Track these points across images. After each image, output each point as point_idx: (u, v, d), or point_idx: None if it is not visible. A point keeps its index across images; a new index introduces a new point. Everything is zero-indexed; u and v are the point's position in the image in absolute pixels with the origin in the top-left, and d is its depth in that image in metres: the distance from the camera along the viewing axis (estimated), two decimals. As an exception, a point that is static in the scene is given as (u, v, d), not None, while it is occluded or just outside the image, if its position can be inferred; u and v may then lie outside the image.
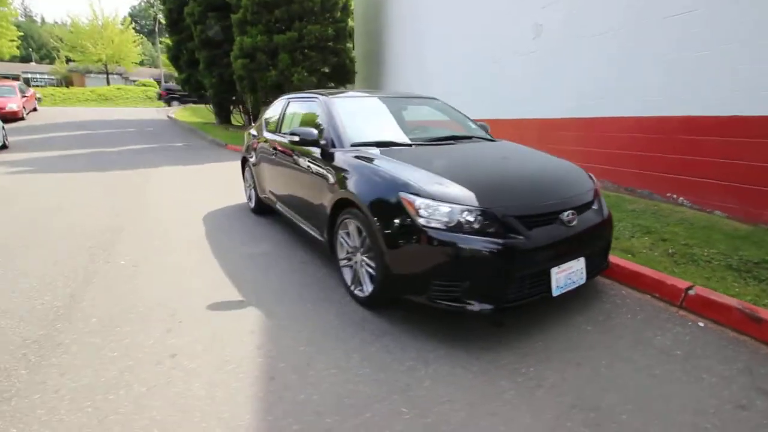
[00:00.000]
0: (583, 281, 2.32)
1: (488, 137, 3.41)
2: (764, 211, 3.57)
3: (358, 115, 3.16)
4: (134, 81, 34.35)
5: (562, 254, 2.20)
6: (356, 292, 2.62)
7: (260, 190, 4.47)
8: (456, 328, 2.32)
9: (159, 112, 24.60)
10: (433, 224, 2.05)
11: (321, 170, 2.91)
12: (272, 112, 4.38)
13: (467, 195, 2.13)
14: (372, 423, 1.65)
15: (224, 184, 6.76)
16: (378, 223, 2.23)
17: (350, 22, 12.74)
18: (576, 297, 2.65)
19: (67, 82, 36.20)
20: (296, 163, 3.34)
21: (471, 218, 2.04)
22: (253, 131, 4.75)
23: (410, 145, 2.89)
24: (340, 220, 2.64)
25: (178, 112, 23.81)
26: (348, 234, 2.64)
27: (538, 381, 1.88)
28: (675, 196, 4.34)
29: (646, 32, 4.49)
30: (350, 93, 3.41)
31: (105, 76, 35.88)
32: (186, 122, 18.51)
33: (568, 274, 2.23)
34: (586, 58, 5.32)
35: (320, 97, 3.35)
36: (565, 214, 2.22)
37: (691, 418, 1.68)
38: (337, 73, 13.07)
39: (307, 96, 3.66)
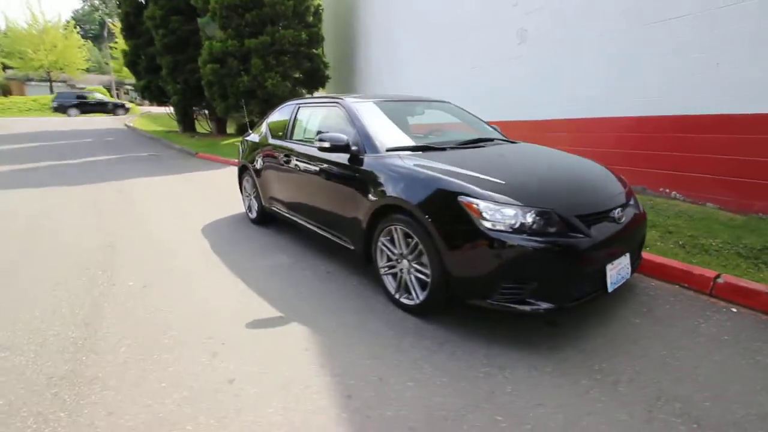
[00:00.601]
0: (628, 276, 2.39)
1: (508, 139, 3.46)
2: (755, 202, 3.87)
3: (382, 120, 3.10)
4: (82, 88, 32.10)
5: (615, 251, 2.26)
6: (402, 300, 2.55)
7: (264, 199, 4.29)
8: (513, 331, 2.32)
9: (115, 120, 23.18)
10: (498, 227, 2.04)
11: (352, 177, 2.83)
12: (278, 118, 4.22)
13: (528, 196, 2.14)
14: (472, 435, 1.60)
15: (210, 194, 6.46)
16: (436, 229, 2.18)
17: (322, 28, 12.60)
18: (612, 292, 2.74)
19: (4, 90, 33.30)
20: (316, 170, 3.23)
21: (535, 219, 2.04)
22: (253, 138, 4.56)
23: (444, 149, 2.88)
24: (382, 227, 2.58)
25: (136, 120, 22.55)
26: (391, 241, 2.57)
27: (615, 376, 1.91)
28: (668, 190, 4.61)
29: (641, 36, 4.75)
30: (366, 97, 3.34)
31: (48, 83, 33.35)
32: (146, 131, 17.55)
33: (618, 270, 2.29)
34: (575, 63, 5.56)
35: (343, 101, 3.26)
36: (616, 211, 2.28)
37: (765, 398, 1.76)
38: (310, 78, 12.89)
39: (323, 101, 3.56)
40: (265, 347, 2.24)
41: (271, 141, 4.09)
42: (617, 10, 4.91)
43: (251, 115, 13.53)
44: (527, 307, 2.05)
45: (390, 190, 2.49)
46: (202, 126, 17.51)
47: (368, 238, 2.75)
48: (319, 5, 12.55)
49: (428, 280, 2.32)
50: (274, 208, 4.13)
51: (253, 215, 4.66)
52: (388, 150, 2.77)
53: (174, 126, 18.27)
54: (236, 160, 10.21)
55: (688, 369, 1.96)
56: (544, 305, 2.05)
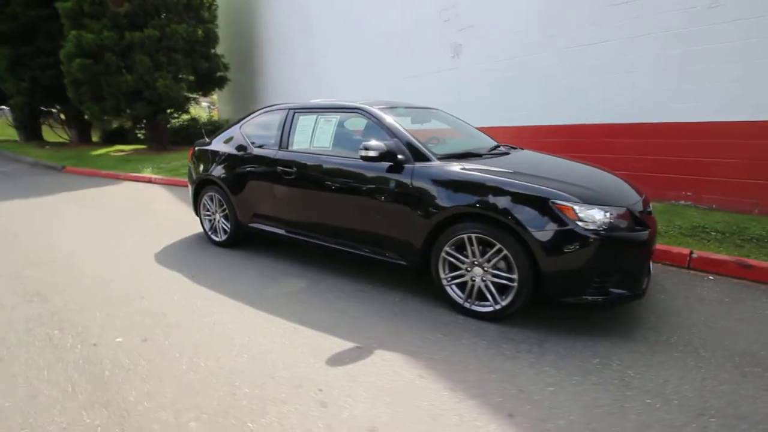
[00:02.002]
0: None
1: (513, 146, 3.67)
2: (667, 191, 4.90)
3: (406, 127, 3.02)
4: None
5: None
6: (475, 308, 2.54)
7: (244, 216, 3.74)
8: (583, 322, 2.50)
9: None
10: (590, 226, 2.20)
11: (401, 188, 2.69)
12: (259, 125, 3.72)
13: (602, 197, 2.35)
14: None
15: (129, 217, 5.38)
16: (530, 233, 2.24)
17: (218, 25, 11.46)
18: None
19: None
20: (342, 184, 2.97)
21: (617, 217, 2.26)
22: (220, 148, 3.92)
23: (480, 156, 2.94)
24: (449, 237, 2.52)
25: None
26: (459, 249, 2.53)
27: (692, 345, 2.24)
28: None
29: (568, 56, 5.54)
30: (370, 103, 3.19)
31: None
32: (-31, 141, 13.55)
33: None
34: (511, 78, 6.22)
35: (365, 108, 3.06)
36: (649, 208, 2.67)
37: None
38: (206, 79, 11.62)
39: (331, 107, 3.27)
40: (372, 384, 1.98)
41: (256, 152, 3.59)
42: (545, 34, 5.67)
43: (135, 120, 11.59)
44: (613, 297, 2.27)
45: (463, 199, 2.46)
46: (57, 134, 14.23)
47: (428, 249, 2.66)
48: (214, 1, 11.40)
49: (513, 284, 2.36)
50: (262, 227, 3.64)
51: (220, 237, 4.03)
52: (440, 158, 2.72)
53: (11, 134, 14.43)
54: (125, 174, 8.71)
55: (728, 328, 2.42)
56: (626, 294, 2.29)
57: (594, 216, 2.21)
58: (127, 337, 2.44)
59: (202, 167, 4.09)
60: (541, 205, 2.26)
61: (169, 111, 11.15)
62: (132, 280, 3.31)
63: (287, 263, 3.60)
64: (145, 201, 6.59)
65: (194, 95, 11.97)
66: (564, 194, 2.27)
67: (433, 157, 2.71)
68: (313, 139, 3.24)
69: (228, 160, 3.82)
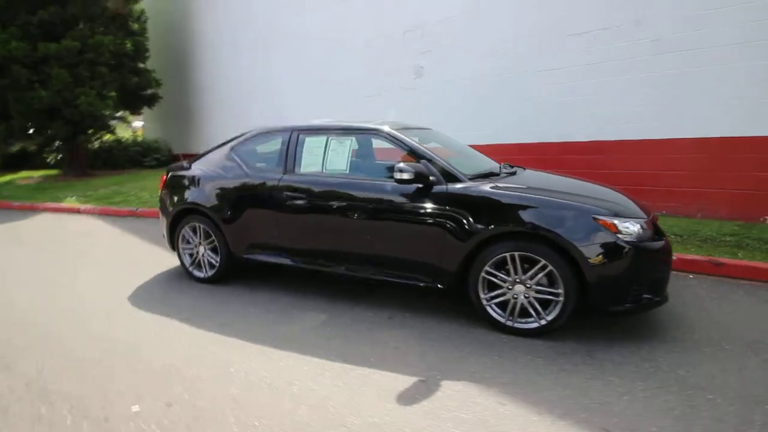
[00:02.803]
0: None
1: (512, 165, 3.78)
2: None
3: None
4: None
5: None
6: (518, 325, 2.55)
7: (238, 247, 3.40)
8: (621, 331, 2.62)
9: None
10: (628, 238, 2.35)
11: (436, 209, 2.65)
12: (258, 147, 3.44)
13: (629, 210, 2.53)
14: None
15: (71, 255, 4.67)
16: (577, 248, 2.32)
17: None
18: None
19: None
20: (368, 208, 2.85)
21: (647, 228, 2.45)
22: (205, 173, 3.54)
23: (498, 175, 3.01)
24: (490, 257, 2.52)
25: None
26: (498, 268, 2.54)
27: (730, 340, 2.45)
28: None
29: (530, 80, 5.99)
30: (380, 124, 3.14)
31: None
32: None
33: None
34: (478, 99, 6.54)
35: (384, 130, 2.98)
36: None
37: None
38: (135, 96, 10.58)
39: (353, 128, 3.12)
40: (458, 418, 1.86)
41: (253, 176, 3.30)
42: (510, 59, 6.09)
43: (49, 141, 10.15)
44: (646, 303, 2.44)
45: (507, 218, 2.48)
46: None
47: (465, 271, 2.63)
48: (143, 11, 10.51)
49: (558, 298, 2.42)
50: (262, 258, 3.33)
51: (206, 273, 3.61)
52: (471, 179, 2.73)
53: None
54: (44, 204, 7.52)
55: (729, 322, 2.71)
56: (655, 299, 2.48)
57: (630, 228, 2.38)
58: (143, 403, 2.04)
59: (180, 195, 3.65)
60: (585, 220, 2.37)
61: (90, 131, 9.91)
62: (115, 330, 2.81)
63: (290, 296, 3.32)
64: (82, 235, 5.72)
65: (120, 113, 10.81)
66: (603, 209, 2.41)
67: (464, 178, 2.72)
68: (326, 161, 3.08)
69: (217, 185, 3.46)
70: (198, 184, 3.59)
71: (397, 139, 2.94)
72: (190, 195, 3.61)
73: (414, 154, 2.84)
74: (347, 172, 3.00)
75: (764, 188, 4.54)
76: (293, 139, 3.26)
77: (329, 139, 3.12)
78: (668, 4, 4.83)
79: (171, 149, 13.25)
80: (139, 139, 13.75)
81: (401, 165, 2.62)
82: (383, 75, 7.53)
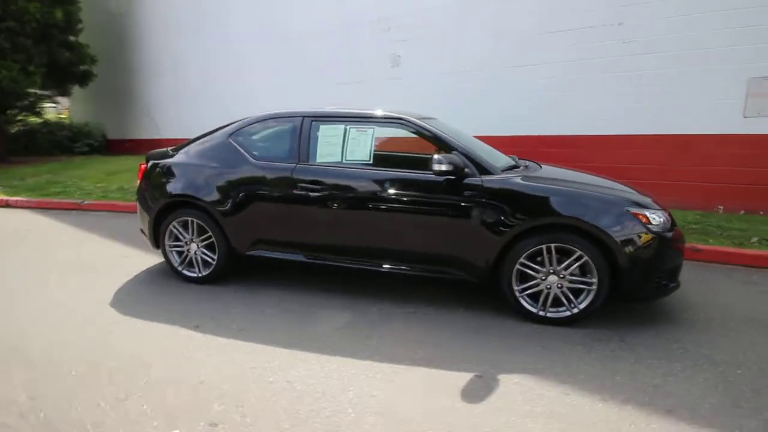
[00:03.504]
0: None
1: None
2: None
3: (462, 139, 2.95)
4: None
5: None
6: (550, 314, 2.61)
7: (241, 243, 3.12)
8: (637, 316, 2.76)
9: None
10: (656, 228, 2.48)
11: (472, 202, 2.61)
12: (263, 134, 3.14)
13: (651, 202, 2.67)
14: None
15: (20, 256, 4.07)
16: (615, 239, 2.40)
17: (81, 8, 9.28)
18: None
19: None
20: (393, 200, 2.75)
21: (668, 218, 2.60)
22: (197, 161, 3.17)
23: (518, 167, 3.03)
24: (529, 248, 2.53)
25: None
26: (533, 259, 2.57)
27: (735, 322, 2.67)
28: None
29: (509, 75, 6.11)
30: (402, 113, 3.01)
31: None
32: None
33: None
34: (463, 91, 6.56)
35: (409, 119, 2.87)
36: None
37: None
38: (66, 73, 9.30)
39: (373, 116, 2.96)
40: (533, 412, 1.85)
41: (260, 165, 3.01)
42: (492, 52, 6.17)
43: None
44: (666, 288, 2.61)
45: (547, 210, 2.51)
46: None
47: (499, 262, 2.62)
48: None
49: (591, 287, 2.51)
50: (270, 254, 3.08)
51: (200, 272, 3.28)
52: (503, 170, 2.71)
53: None
54: None
55: (724, 302, 2.97)
56: (672, 285, 2.66)
57: (657, 218, 2.52)
58: (184, 426, 1.79)
59: (168, 186, 3.25)
60: (619, 212, 2.47)
61: (10, 112, 8.54)
62: (114, 345, 2.44)
63: (304, 294, 3.11)
64: (22, 233, 4.93)
65: (48, 92, 9.43)
66: (635, 201, 2.53)
67: (497, 170, 2.70)
68: (345, 151, 2.89)
69: (215, 175, 3.12)
70: (190, 174, 3.21)
71: (424, 128, 2.84)
72: (180, 186, 3.22)
73: (444, 145, 2.76)
74: (371, 162, 2.85)
75: (715, 180, 5.09)
76: (305, 126, 3.02)
77: (348, 127, 2.94)
78: (647, 10, 5.15)
79: (105, 134, 11.90)
80: (66, 121, 12.14)
81: (439, 156, 2.54)
82: (357, 62, 7.31)
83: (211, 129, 3.40)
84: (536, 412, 1.88)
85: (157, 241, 3.40)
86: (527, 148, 6.05)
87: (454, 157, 2.62)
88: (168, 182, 3.26)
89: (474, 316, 2.77)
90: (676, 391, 2.02)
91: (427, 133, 2.83)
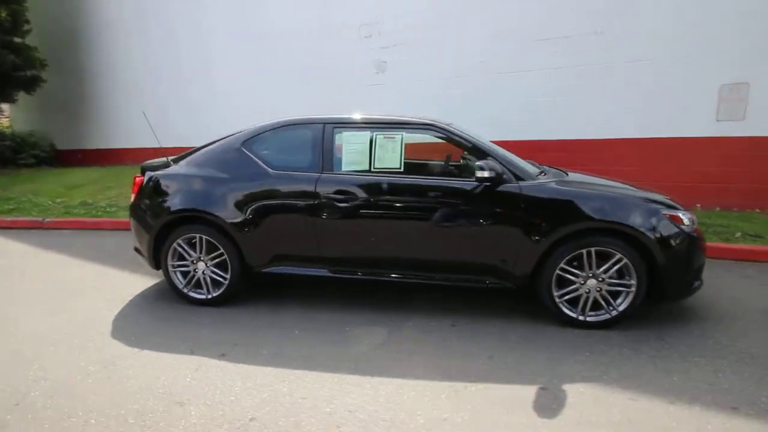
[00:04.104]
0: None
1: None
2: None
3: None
4: None
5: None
6: (589, 319, 2.61)
7: (258, 260, 2.90)
8: (661, 315, 2.83)
9: None
10: (687, 229, 2.56)
11: (511, 208, 2.59)
12: (281, 143, 2.92)
13: (678, 203, 2.75)
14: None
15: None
16: (654, 241, 2.45)
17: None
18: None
19: None
20: (429, 209, 2.66)
21: (695, 219, 2.69)
22: (206, 173, 2.91)
23: (544, 173, 3.03)
24: (570, 253, 2.53)
25: None
26: (572, 264, 2.57)
27: (754, 314, 2.79)
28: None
29: (504, 82, 6.21)
30: (429, 119, 2.94)
31: None
32: None
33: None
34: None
35: (439, 125, 2.80)
36: None
37: None
38: (10, 79, 8.41)
39: (401, 122, 2.86)
40: (611, 422, 1.81)
41: (279, 175, 2.80)
42: (477, 60, 6.23)
43: None
44: (694, 286, 2.69)
45: (589, 214, 2.51)
46: None
47: (539, 269, 2.59)
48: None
49: (630, 289, 2.53)
50: (290, 270, 2.88)
51: (209, 293, 3.01)
52: (537, 175, 2.69)
53: None
54: None
55: (733, 295, 3.12)
56: (697, 283, 2.74)
57: (688, 220, 2.60)
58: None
59: (172, 200, 2.95)
60: (657, 214, 2.52)
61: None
62: (133, 382, 2.15)
63: (328, 312, 2.92)
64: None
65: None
66: (671, 204, 2.60)
67: (532, 176, 2.68)
68: (373, 159, 2.75)
69: (228, 187, 2.88)
70: (198, 186, 2.94)
71: (455, 134, 2.78)
72: (187, 200, 2.94)
73: (478, 151, 2.71)
74: (402, 170, 2.74)
75: (691, 180, 5.42)
76: (327, 133, 2.85)
77: (375, 134, 2.81)
78: (628, 19, 5.42)
79: (54, 144, 10.88)
80: (8, 130, 10.96)
81: (481, 163, 2.48)
82: (340, 68, 7.17)
83: (222, 137, 3.13)
84: (614, 421, 1.84)
85: (157, 262, 3.07)
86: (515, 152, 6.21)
87: (494, 163, 2.57)
88: (172, 196, 2.96)
89: (513, 326, 2.72)
90: (731, 387, 2.06)
91: (459, 138, 2.77)
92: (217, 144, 3.08)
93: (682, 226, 2.54)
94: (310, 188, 2.78)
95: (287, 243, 2.86)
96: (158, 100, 9.01)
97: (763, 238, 4.16)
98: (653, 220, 2.51)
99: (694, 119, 5.20)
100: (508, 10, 6.03)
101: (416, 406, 1.95)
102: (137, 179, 3.15)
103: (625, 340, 2.52)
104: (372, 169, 2.77)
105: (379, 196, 2.73)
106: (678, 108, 5.27)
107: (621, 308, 2.58)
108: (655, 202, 2.61)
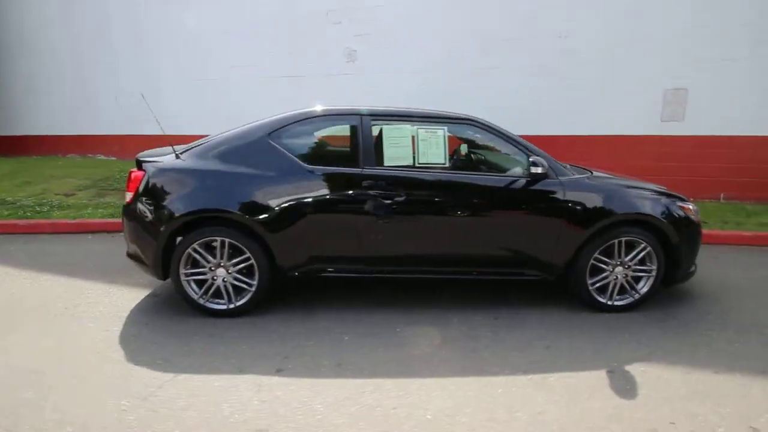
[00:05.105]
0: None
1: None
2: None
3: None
4: None
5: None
6: (616, 303, 2.84)
7: (293, 261, 2.67)
8: (664, 295, 3.07)
9: None
10: (695, 219, 2.89)
11: (553, 202, 2.69)
12: (313, 135, 2.65)
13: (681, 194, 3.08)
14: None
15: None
16: (675, 230, 2.72)
17: None
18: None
19: None
20: (478, 204, 2.68)
21: (697, 209, 3.03)
22: (228, 168, 2.57)
23: (566, 167, 3.18)
24: (603, 243, 2.71)
25: None
26: (605, 254, 2.76)
27: (749, 298, 3.18)
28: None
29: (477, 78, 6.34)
30: (455, 114, 2.93)
31: None
32: None
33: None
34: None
35: (478, 120, 2.79)
36: None
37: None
38: None
39: (441, 116, 2.81)
40: (683, 397, 1.99)
41: (316, 170, 2.57)
42: (447, 54, 6.31)
43: None
44: (693, 271, 3.05)
45: (623, 207, 2.71)
46: None
47: (575, 259, 2.75)
48: None
49: (651, 275, 2.80)
50: (331, 272, 2.69)
51: (230, 303, 2.72)
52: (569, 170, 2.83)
53: None
54: None
55: (731, 276, 3.52)
56: (694, 267, 3.12)
57: (694, 211, 2.93)
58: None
59: (186, 199, 2.57)
60: (674, 206, 2.81)
61: None
62: (191, 413, 1.84)
63: (364, 313, 2.80)
64: None
65: None
66: (683, 197, 2.90)
67: (568, 171, 2.80)
68: (417, 154, 2.66)
69: (257, 184, 2.58)
70: (218, 183, 2.60)
71: (495, 129, 2.80)
72: (206, 198, 2.58)
73: (522, 148, 2.76)
74: (447, 165, 2.70)
75: (638, 174, 6.12)
76: (365, 126, 2.69)
77: (416, 128, 2.72)
78: (588, 26, 5.88)
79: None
80: None
81: (535, 159, 2.54)
82: (305, 54, 6.81)
83: (242, 127, 2.77)
84: (682, 394, 2.02)
85: (165, 271, 2.67)
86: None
87: (542, 159, 2.65)
88: (186, 194, 2.58)
89: (549, 314, 2.84)
90: (748, 354, 2.39)
91: (500, 134, 2.80)
92: (233, 135, 2.74)
93: (691, 216, 2.88)
94: (351, 184, 2.62)
95: (326, 242, 2.67)
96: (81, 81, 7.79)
97: (707, 223, 4.87)
98: (672, 212, 2.80)
99: (642, 119, 5.89)
100: (477, 8, 6.21)
101: (509, 402, 1.96)
102: (134, 174, 2.68)
103: (648, 321, 2.79)
104: (416, 165, 2.69)
105: (427, 193, 2.68)
106: (628, 108, 5.91)
107: (643, 291, 2.86)
108: (670, 195, 2.91)
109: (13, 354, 2.30)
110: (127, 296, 3.05)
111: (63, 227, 4.58)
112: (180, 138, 3.16)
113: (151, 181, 2.63)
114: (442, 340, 2.52)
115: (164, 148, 2.93)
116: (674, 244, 2.77)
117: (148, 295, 3.06)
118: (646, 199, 2.81)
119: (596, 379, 2.16)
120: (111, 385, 2.04)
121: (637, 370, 2.24)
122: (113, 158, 8.28)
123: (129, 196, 2.69)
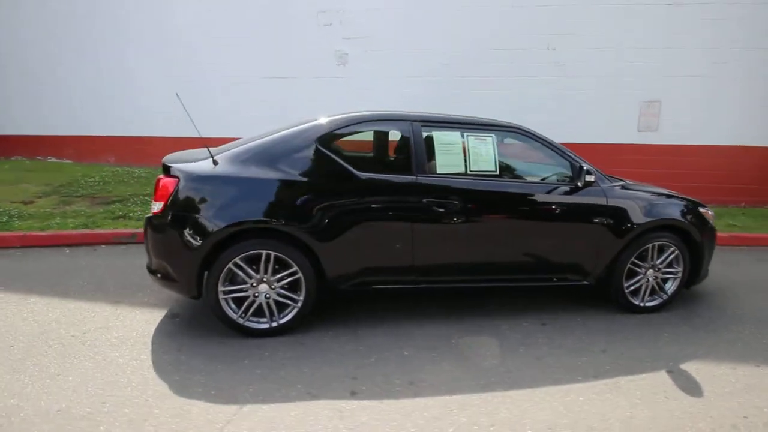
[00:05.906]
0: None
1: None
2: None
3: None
4: None
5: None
6: (647, 304, 2.97)
7: (344, 273, 2.53)
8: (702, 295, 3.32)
9: None
10: (712, 224, 3.10)
11: (596, 210, 2.77)
12: (362, 141, 2.50)
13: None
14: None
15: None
16: (700, 234, 2.91)
17: None
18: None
19: None
20: (528, 212, 2.72)
21: (714, 215, 3.26)
22: (272, 175, 2.37)
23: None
24: (639, 248, 2.83)
25: None
26: (640, 258, 2.88)
27: (752, 292, 3.49)
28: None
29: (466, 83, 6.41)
30: (494, 121, 2.94)
31: None
32: None
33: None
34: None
35: (521, 127, 2.81)
36: None
37: None
38: None
39: (488, 123, 2.80)
40: (742, 391, 2.11)
41: (370, 178, 2.44)
42: (441, 62, 6.35)
43: None
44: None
45: (660, 213, 2.86)
46: None
47: (612, 264, 2.84)
48: None
49: (678, 276, 2.97)
50: (382, 285, 2.57)
51: (273, 321, 2.51)
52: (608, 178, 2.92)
53: None
54: None
55: (736, 277, 3.78)
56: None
57: (712, 216, 3.16)
58: None
59: (230, 209, 2.33)
60: (697, 212, 3.01)
61: None
62: None
63: (412, 325, 2.70)
64: None
65: None
66: (701, 203, 3.10)
67: (606, 180, 2.90)
68: (469, 161, 2.62)
69: (307, 192, 2.41)
70: (265, 191, 2.38)
71: (542, 139, 2.83)
72: (253, 209, 2.36)
73: (567, 157, 2.82)
74: (497, 172, 2.68)
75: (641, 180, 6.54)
76: (415, 132, 2.60)
77: (466, 135, 2.68)
78: (575, 40, 6.19)
79: None
80: None
81: (588, 167, 2.60)
82: (294, 55, 6.56)
83: (285, 129, 2.57)
84: (739, 388, 2.15)
85: (200, 289, 2.40)
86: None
87: (592, 167, 2.72)
88: (228, 203, 2.34)
89: (592, 318, 2.91)
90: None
91: (544, 142, 2.84)
92: (276, 139, 2.53)
93: (710, 221, 3.10)
94: (406, 192, 2.52)
95: (379, 253, 2.54)
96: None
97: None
98: (697, 218, 3.00)
99: (620, 129, 6.30)
100: (471, 18, 6.34)
101: (596, 410, 1.97)
102: (163, 182, 2.39)
103: (678, 319, 2.95)
104: (468, 172, 2.66)
105: (480, 201, 2.64)
106: (609, 118, 6.30)
107: (670, 292, 3.02)
108: (692, 202, 3.12)
109: (42, 398, 1.93)
110: (140, 318, 2.72)
111: (34, 240, 4.01)
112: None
113: (187, 189, 2.36)
114: (504, 350, 2.49)
115: (189, 151, 2.66)
116: (698, 247, 2.97)
117: (165, 316, 2.75)
118: (675, 205, 2.99)
119: (661, 380, 2.24)
120: (168, 425, 1.79)
121: (691, 368, 2.35)
122: (68, 161, 7.47)
123: (157, 206, 2.39)
